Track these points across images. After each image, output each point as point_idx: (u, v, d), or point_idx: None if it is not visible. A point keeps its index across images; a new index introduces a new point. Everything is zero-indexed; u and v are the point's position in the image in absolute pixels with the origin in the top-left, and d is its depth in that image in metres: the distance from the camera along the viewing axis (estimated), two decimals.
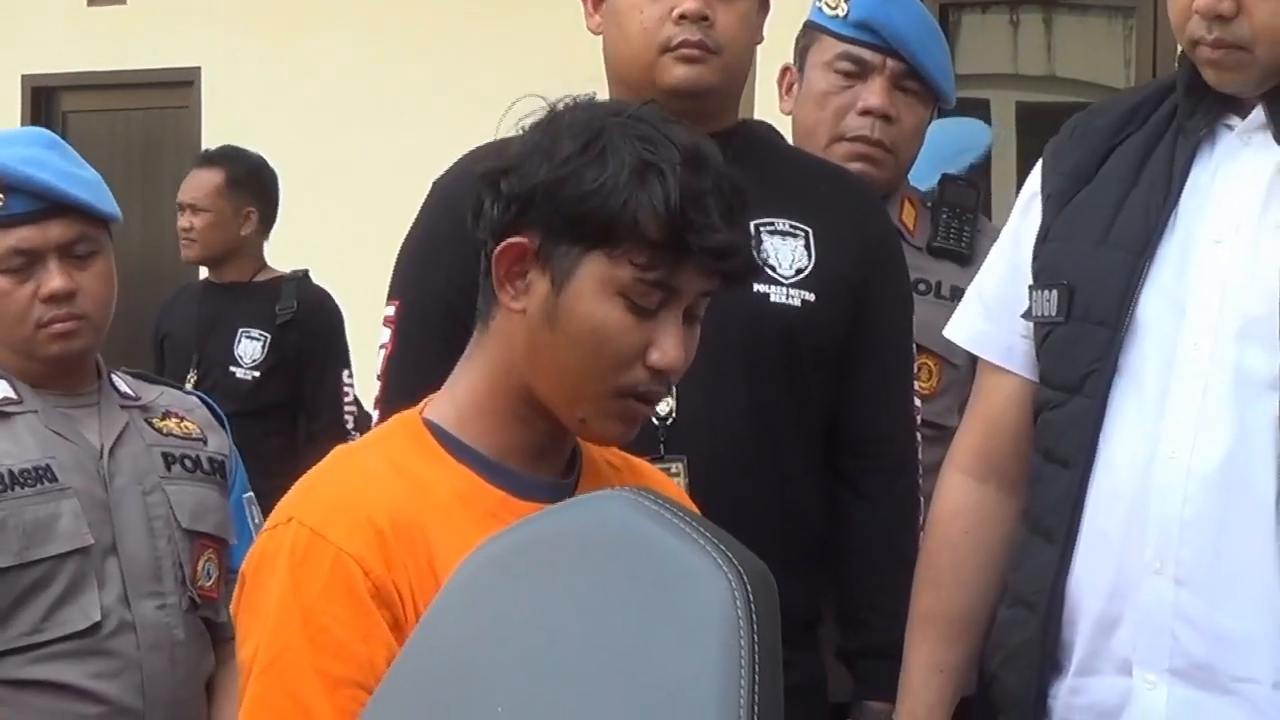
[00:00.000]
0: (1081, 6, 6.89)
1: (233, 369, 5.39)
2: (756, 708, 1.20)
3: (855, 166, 2.91)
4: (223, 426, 2.90)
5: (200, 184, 5.47)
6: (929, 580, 2.43)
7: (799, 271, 2.53)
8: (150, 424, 2.77)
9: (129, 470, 2.70)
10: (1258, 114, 2.21)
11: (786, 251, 2.53)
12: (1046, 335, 2.30)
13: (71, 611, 2.60)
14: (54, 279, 2.64)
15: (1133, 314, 2.20)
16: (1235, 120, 2.23)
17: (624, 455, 1.98)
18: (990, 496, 2.41)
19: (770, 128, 2.83)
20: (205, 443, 2.82)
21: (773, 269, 2.51)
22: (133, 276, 7.51)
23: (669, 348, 1.75)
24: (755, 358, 2.49)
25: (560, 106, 1.80)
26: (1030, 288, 2.33)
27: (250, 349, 5.39)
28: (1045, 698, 2.27)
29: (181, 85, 7.81)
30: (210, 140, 7.40)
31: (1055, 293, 2.27)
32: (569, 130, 1.75)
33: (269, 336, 5.39)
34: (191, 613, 2.72)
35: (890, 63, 3.00)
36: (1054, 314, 2.27)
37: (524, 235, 1.76)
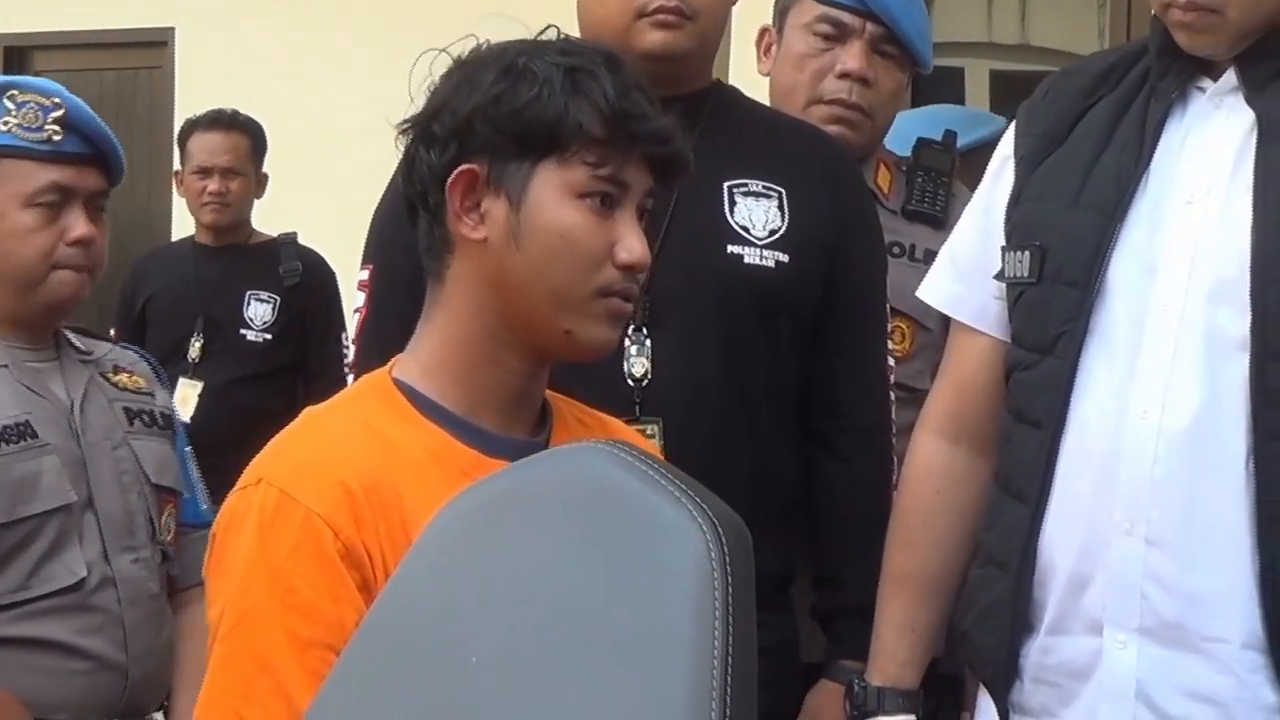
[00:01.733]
0: None
1: (243, 332, 5.38)
2: (730, 658, 1.20)
3: (832, 129, 2.92)
4: (161, 381, 2.93)
5: (231, 147, 5.42)
6: (901, 541, 2.44)
7: (773, 233, 2.53)
8: (106, 379, 2.80)
9: (98, 425, 2.72)
10: (1229, 76, 2.22)
11: (760, 213, 2.53)
12: (1019, 296, 2.31)
13: (56, 568, 2.61)
14: (81, 224, 2.69)
15: (1104, 275, 2.21)
16: (1207, 83, 2.24)
17: (595, 413, 1.99)
18: (962, 457, 2.43)
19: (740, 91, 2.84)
20: (154, 397, 2.86)
21: (746, 230, 2.52)
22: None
23: (633, 243, 1.79)
24: (729, 319, 2.49)
25: (464, 53, 1.83)
26: (1003, 249, 2.34)
27: (261, 311, 5.39)
28: (1017, 657, 2.29)
29: (155, 45, 7.77)
30: (184, 101, 7.37)
31: (1027, 254, 2.28)
32: (485, 63, 1.79)
33: (278, 299, 5.40)
34: (162, 565, 2.75)
35: (870, 26, 3.01)
36: (1026, 275, 2.28)
37: (470, 165, 1.78)
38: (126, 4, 7.69)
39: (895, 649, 2.43)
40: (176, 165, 5.61)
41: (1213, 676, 2.14)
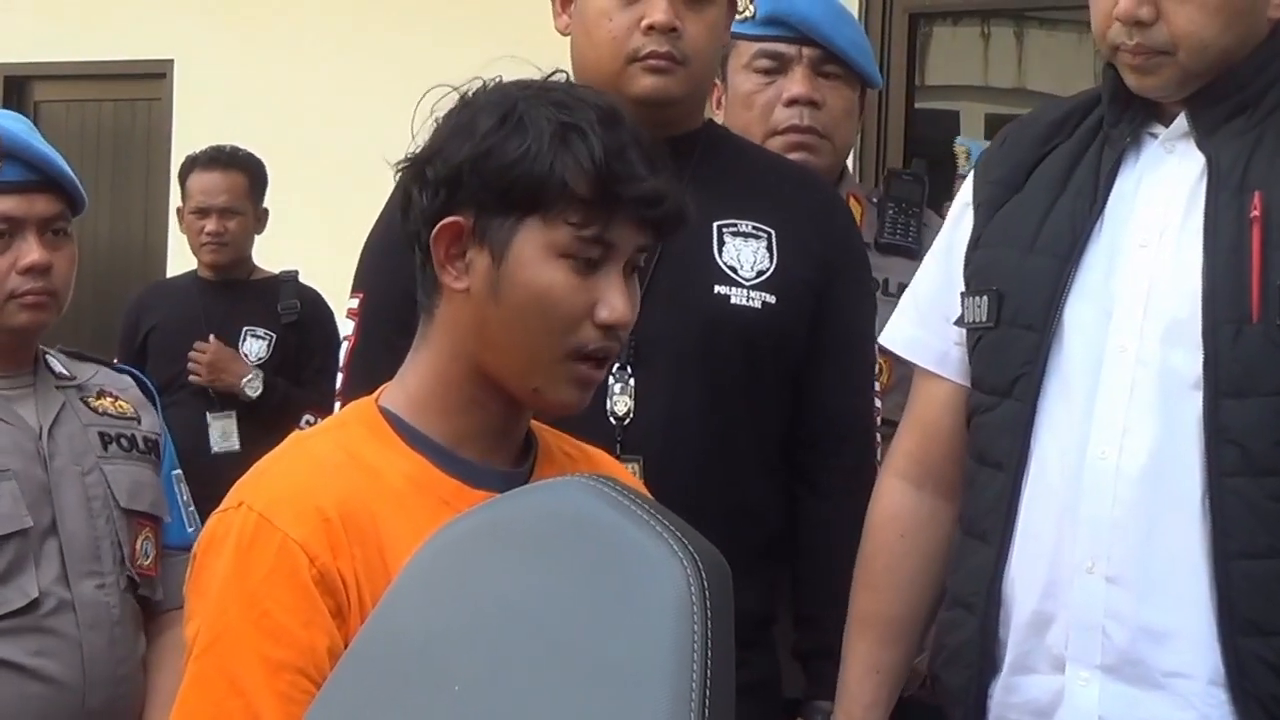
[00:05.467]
0: (1052, 20, 6.92)
1: None
2: (709, 693, 1.22)
3: (793, 157, 2.96)
4: (154, 404, 2.93)
5: (229, 187, 5.43)
6: (866, 583, 2.46)
7: (760, 273, 2.55)
8: (86, 403, 2.80)
9: (67, 451, 2.72)
10: (1180, 122, 2.26)
11: (748, 253, 2.55)
12: (978, 340, 2.34)
13: (9, 591, 2.62)
14: (34, 251, 2.70)
15: (1060, 318, 2.24)
16: (1159, 128, 2.28)
17: (579, 444, 2.01)
18: (926, 501, 2.45)
19: (730, 132, 2.86)
20: (139, 421, 2.86)
21: (734, 270, 2.54)
22: (101, 267, 7.61)
23: (616, 302, 1.78)
24: (714, 359, 2.51)
25: (471, 91, 1.83)
26: (962, 295, 2.37)
27: (256, 348, 5.41)
28: (986, 697, 2.30)
29: (154, 77, 7.80)
30: (181, 133, 7.40)
31: (986, 299, 2.32)
32: (484, 108, 1.79)
33: (274, 335, 5.42)
34: (129, 592, 2.75)
35: (806, 51, 3.07)
36: (984, 319, 2.32)
37: (457, 215, 1.79)
38: (126, 36, 7.72)
39: (860, 691, 2.44)
40: (178, 202, 5.64)
41: (1174, 713, 2.16)
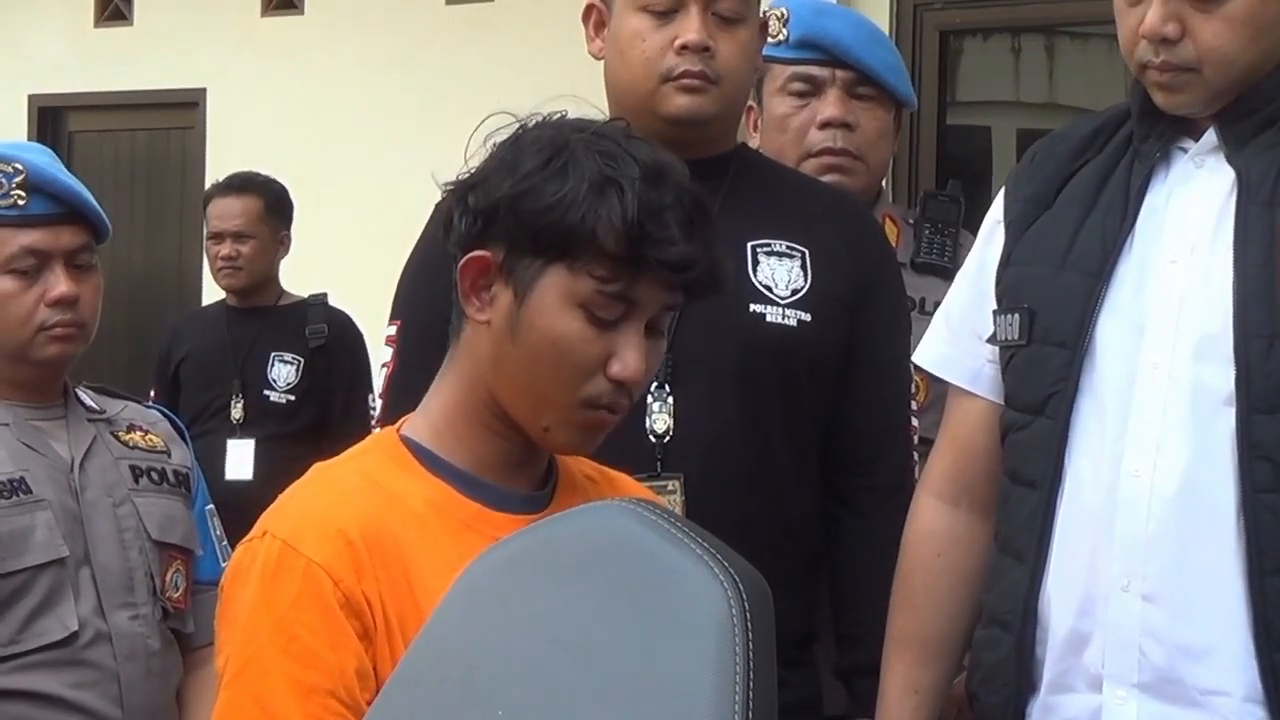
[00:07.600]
0: (1083, 35, 6.91)
1: (267, 393, 5.44)
2: (751, 714, 1.22)
3: (828, 179, 2.97)
4: (184, 440, 2.95)
5: (242, 211, 5.46)
6: (903, 602, 2.46)
7: (795, 292, 2.55)
8: (116, 437, 2.82)
9: (99, 483, 2.74)
10: (1210, 136, 2.25)
11: (783, 272, 2.56)
12: (1010, 358, 2.34)
13: (48, 622, 2.63)
14: (61, 284, 2.72)
15: (1091, 335, 2.24)
16: (1189, 143, 2.27)
17: (599, 467, 2.01)
18: (962, 519, 2.44)
19: (763, 154, 2.87)
20: (169, 455, 2.87)
21: (769, 289, 2.54)
22: (136, 296, 7.65)
23: (630, 359, 1.78)
24: (751, 377, 2.51)
25: (529, 123, 1.83)
26: (994, 312, 2.37)
27: (285, 373, 5.43)
28: (1023, 716, 2.30)
29: (187, 106, 7.84)
30: (215, 161, 7.43)
31: (1017, 316, 2.31)
32: (532, 146, 1.79)
33: (302, 360, 5.45)
34: (163, 623, 2.76)
35: (839, 73, 3.08)
36: (1016, 337, 2.31)
37: (488, 248, 1.79)
38: (159, 66, 7.76)
39: (899, 711, 2.44)
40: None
41: None
